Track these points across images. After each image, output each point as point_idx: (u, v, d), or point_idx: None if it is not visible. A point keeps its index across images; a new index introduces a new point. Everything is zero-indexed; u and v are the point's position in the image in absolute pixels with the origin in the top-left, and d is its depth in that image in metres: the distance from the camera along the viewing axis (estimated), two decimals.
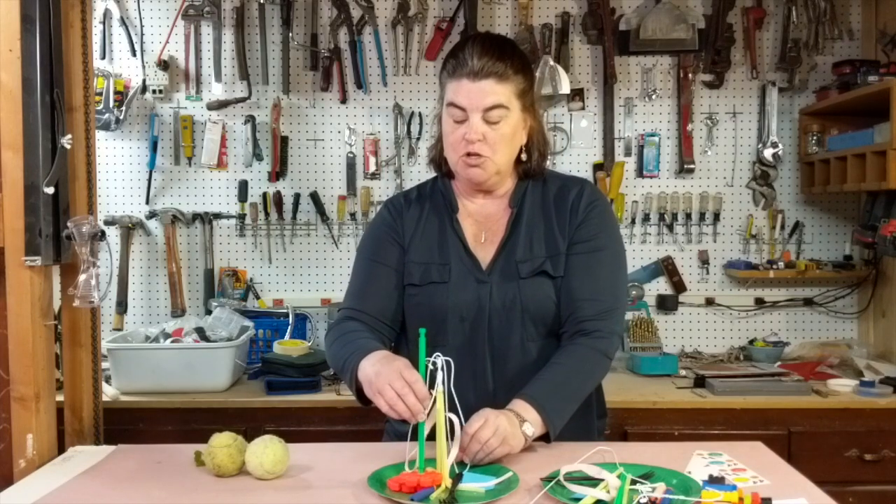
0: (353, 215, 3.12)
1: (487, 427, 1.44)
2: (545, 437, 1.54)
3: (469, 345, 1.66)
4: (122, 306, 3.05)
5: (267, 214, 3.10)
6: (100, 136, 2.94)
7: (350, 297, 1.75)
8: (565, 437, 1.64)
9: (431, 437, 1.41)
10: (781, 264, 3.03)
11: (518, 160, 1.71)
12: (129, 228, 3.09)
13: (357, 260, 1.79)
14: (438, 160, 1.78)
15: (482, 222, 1.73)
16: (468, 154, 1.63)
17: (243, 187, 3.08)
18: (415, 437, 1.42)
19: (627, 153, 3.13)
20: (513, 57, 1.63)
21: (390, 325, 1.72)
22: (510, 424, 1.47)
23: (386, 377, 1.44)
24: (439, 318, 1.65)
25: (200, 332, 2.66)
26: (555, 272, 1.66)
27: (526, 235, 1.69)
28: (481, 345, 1.66)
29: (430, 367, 1.40)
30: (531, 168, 1.73)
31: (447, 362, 1.39)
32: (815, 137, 3.03)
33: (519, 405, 1.52)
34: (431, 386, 1.40)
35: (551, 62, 2.96)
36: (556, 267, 1.66)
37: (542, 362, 1.63)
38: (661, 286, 3.15)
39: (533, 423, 1.51)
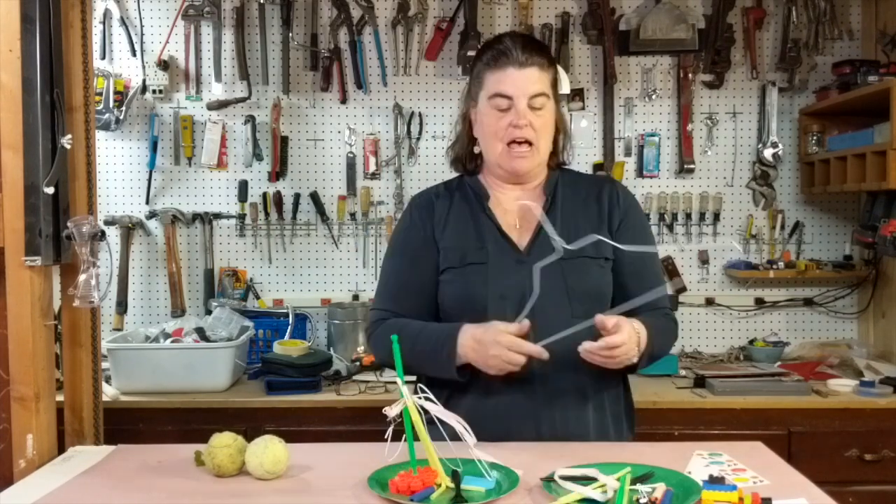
0: (353, 215, 3.12)
1: (621, 335, 1.52)
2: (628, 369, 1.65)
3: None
4: (122, 306, 3.05)
5: (267, 214, 3.10)
6: (100, 136, 2.94)
7: (383, 299, 1.77)
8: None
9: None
10: (781, 264, 3.03)
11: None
12: (129, 228, 3.09)
13: (387, 259, 1.82)
14: (463, 158, 1.81)
15: (515, 211, 1.75)
16: (514, 142, 1.68)
17: (243, 187, 3.08)
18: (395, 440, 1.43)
19: (627, 153, 3.13)
20: (548, 51, 1.77)
21: (426, 319, 1.74)
22: (636, 344, 1.57)
23: (486, 349, 1.56)
24: (479, 297, 1.66)
25: (200, 332, 2.66)
26: (597, 253, 1.68)
27: (562, 221, 1.71)
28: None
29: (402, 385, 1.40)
30: (559, 156, 1.81)
31: (420, 387, 1.43)
32: (815, 137, 3.03)
33: (643, 331, 1.60)
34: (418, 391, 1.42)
35: None
36: (598, 249, 1.68)
37: (587, 339, 1.62)
38: None
39: (641, 350, 1.60)
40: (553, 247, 1.66)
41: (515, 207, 1.76)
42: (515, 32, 1.79)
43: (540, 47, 1.72)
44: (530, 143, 1.69)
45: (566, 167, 1.85)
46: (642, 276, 1.73)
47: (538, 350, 1.55)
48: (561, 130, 1.79)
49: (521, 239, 1.72)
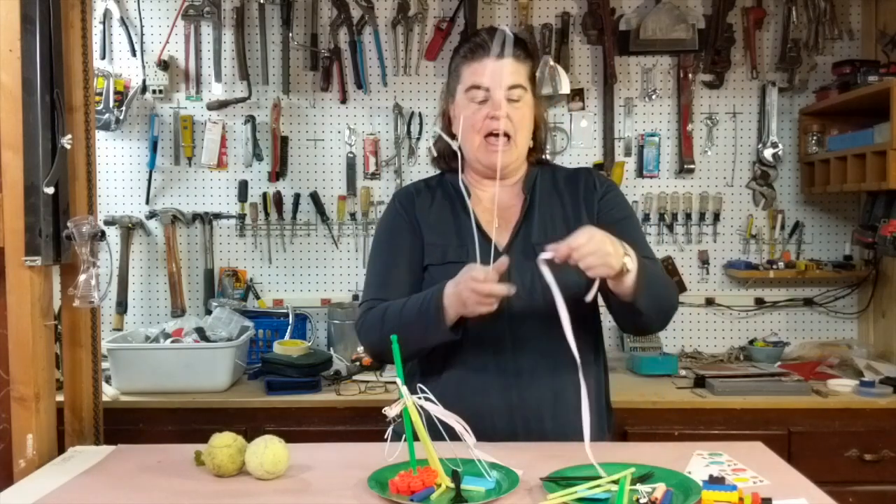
0: (353, 215, 3.12)
1: (583, 235, 1.45)
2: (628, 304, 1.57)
3: (489, 323, 1.65)
4: (122, 306, 3.05)
5: (267, 214, 3.10)
6: (100, 136, 2.94)
7: (372, 289, 1.76)
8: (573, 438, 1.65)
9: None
10: (781, 264, 3.03)
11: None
12: (129, 228, 3.09)
13: (373, 252, 1.81)
14: (444, 156, 1.80)
15: (493, 209, 1.74)
16: (491, 135, 1.67)
17: (243, 187, 3.08)
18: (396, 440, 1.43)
19: (627, 153, 3.13)
20: (524, 44, 1.75)
21: None
22: (612, 244, 1.47)
23: (458, 291, 1.52)
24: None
25: (200, 332, 2.66)
26: None
27: (540, 220, 1.71)
28: (501, 323, 1.66)
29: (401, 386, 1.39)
30: (538, 151, 1.80)
31: (420, 388, 1.41)
32: (815, 137, 3.03)
33: (624, 244, 1.52)
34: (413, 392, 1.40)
35: (551, 62, 2.96)
36: None
37: (565, 342, 1.63)
38: None
39: (634, 261, 1.51)
40: (532, 245, 1.67)
41: (494, 205, 1.74)
42: (493, 27, 1.76)
43: (516, 40, 1.69)
44: (508, 137, 1.68)
45: (545, 162, 1.84)
46: (631, 240, 1.65)
47: (503, 288, 1.50)
48: (540, 125, 1.79)
49: (500, 238, 1.72)
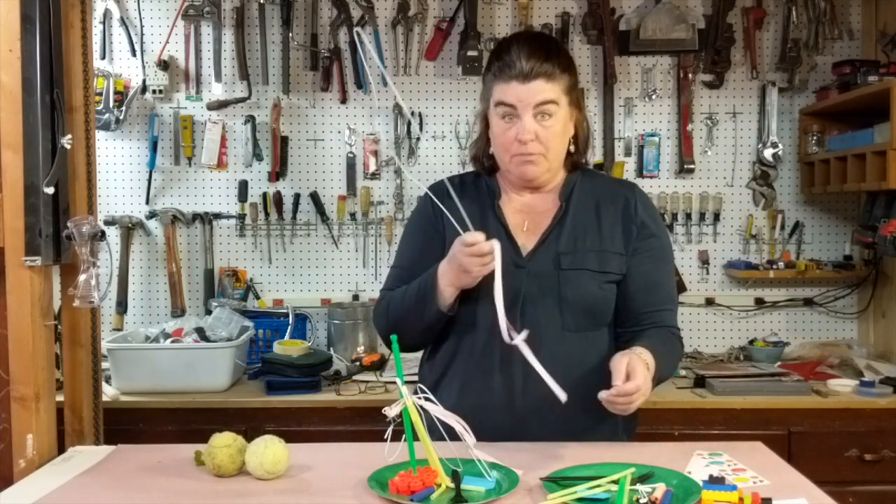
0: (353, 215, 3.12)
1: (641, 378, 1.48)
2: None
3: (499, 328, 1.65)
4: (122, 306, 3.05)
5: (267, 214, 3.10)
6: (100, 136, 2.94)
7: (388, 281, 1.82)
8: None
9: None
10: (781, 264, 3.03)
11: (566, 152, 1.74)
12: (129, 228, 3.09)
13: (400, 243, 1.87)
14: (481, 158, 1.80)
15: (526, 213, 1.75)
16: (521, 153, 1.66)
17: (243, 187, 3.08)
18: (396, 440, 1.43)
19: (627, 153, 3.13)
20: (559, 56, 1.67)
21: None
22: (648, 381, 1.52)
23: (457, 263, 1.57)
24: (472, 297, 1.65)
25: (200, 332, 2.66)
26: (600, 267, 1.67)
27: (571, 229, 1.70)
28: (512, 323, 1.64)
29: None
30: (578, 159, 1.77)
31: (420, 388, 1.41)
32: (815, 137, 3.03)
33: (650, 360, 1.57)
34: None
35: None
36: (602, 263, 1.67)
37: (576, 353, 1.65)
38: None
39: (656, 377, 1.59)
40: (556, 252, 1.67)
41: (526, 209, 1.75)
42: (524, 36, 1.70)
43: (548, 54, 1.64)
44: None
45: (587, 168, 1.81)
46: (652, 291, 1.71)
47: (489, 244, 1.54)
48: (580, 132, 1.75)
49: (527, 242, 1.71)
